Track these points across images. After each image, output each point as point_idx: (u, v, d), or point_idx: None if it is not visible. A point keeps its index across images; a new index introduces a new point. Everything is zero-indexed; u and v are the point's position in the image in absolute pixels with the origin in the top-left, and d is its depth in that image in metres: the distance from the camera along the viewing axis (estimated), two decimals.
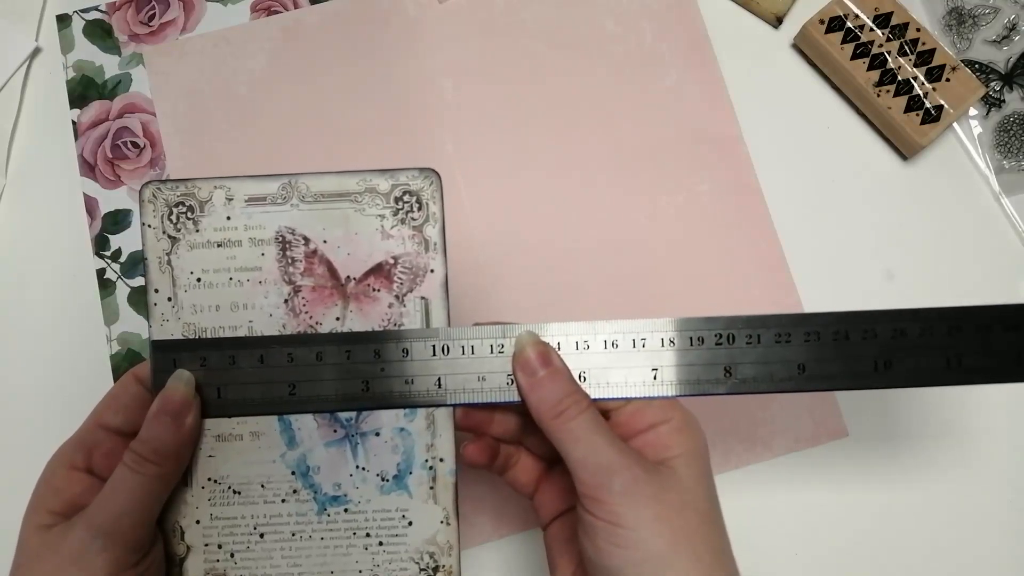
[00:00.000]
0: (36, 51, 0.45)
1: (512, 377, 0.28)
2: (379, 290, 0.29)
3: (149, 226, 0.28)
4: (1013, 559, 0.41)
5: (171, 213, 0.28)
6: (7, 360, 0.42)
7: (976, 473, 0.41)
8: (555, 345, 0.28)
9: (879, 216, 0.44)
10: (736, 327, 0.28)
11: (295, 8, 0.46)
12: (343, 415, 0.29)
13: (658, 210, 0.44)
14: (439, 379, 0.28)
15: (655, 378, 0.28)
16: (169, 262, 0.28)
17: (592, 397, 0.28)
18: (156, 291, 0.28)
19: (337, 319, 0.29)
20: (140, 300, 0.42)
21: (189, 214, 0.28)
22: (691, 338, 0.28)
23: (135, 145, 0.44)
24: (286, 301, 0.29)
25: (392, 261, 0.29)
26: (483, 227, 0.43)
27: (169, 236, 0.28)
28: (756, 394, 0.28)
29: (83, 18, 0.46)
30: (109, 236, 0.43)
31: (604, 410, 0.29)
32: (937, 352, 0.28)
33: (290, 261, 0.29)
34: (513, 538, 0.40)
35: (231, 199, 0.28)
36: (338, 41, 0.45)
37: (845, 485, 0.41)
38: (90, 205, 0.43)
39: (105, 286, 0.43)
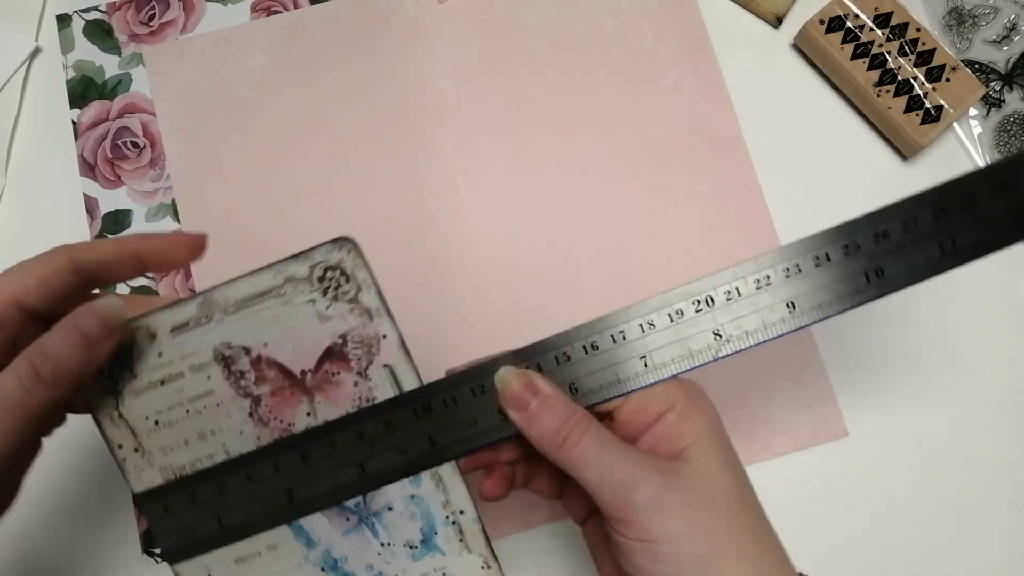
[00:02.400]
0: (36, 51, 0.45)
1: (502, 414, 0.27)
2: (339, 373, 0.28)
3: (90, 390, 0.27)
4: (1013, 559, 0.41)
5: (103, 371, 0.27)
6: None
7: (976, 473, 0.41)
8: (535, 366, 0.27)
9: None
10: (707, 289, 0.27)
11: (295, 8, 0.46)
12: (350, 502, 0.28)
13: (658, 210, 0.44)
14: (430, 438, 0.27)
15: (646, 365, 0.27)
16: (121, 415, 0.27)
17: (594, 402, 0.27)
18: (120, 447, 0.27)
19: (308, 414, 0.28)
20: None
21: (121, 364, 0.27)
22: (669, 315, 0.27)
23: (135, 145, 0.44)
24: (250, 414, 0.27)
25: (341, 341, 0.28)
26: (483, 227, 0.43)
27: (111, 392, 0.27)
28: (745, 349, 0.27)
29: (83, 18, 0.46)
30: (109, 236, 0.43)
31: (605, 411, 0.28)
32: (927, 241, 0.26)
33: (238, 375, 0.27)
34: (514, 537, 0.40)
35: (155, 335, 0.27)
36: (338, 41, 0.46)
37: (845, 485, 0.41)
38: (90, 205, 0.43)
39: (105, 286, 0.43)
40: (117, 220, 0.43)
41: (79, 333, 0.24)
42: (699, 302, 0.27)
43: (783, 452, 0.41)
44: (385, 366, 0.28)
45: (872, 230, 0.26)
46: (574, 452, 0.26)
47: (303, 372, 0.28)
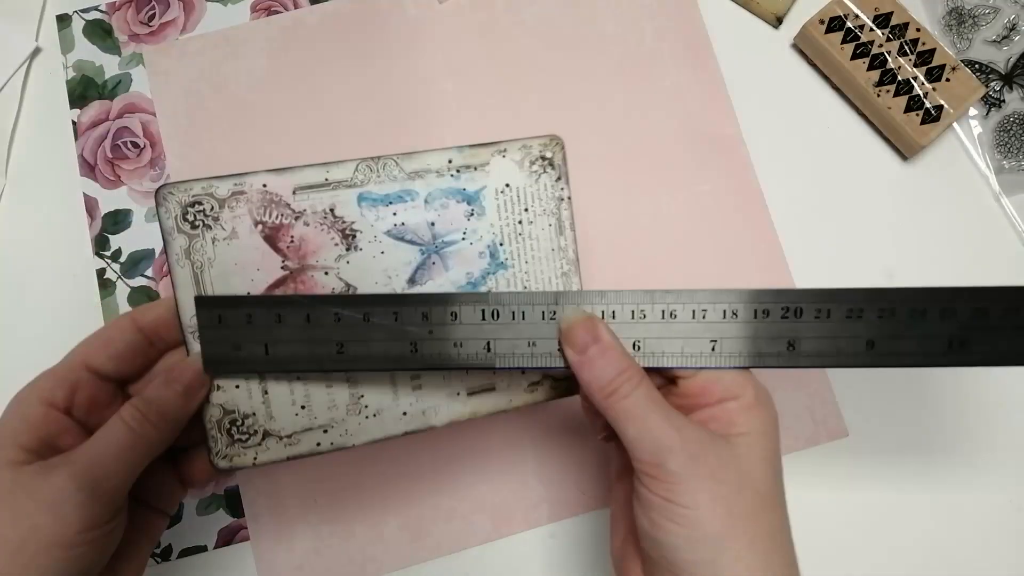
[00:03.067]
0: (36, 51, 0.45)
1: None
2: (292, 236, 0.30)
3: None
4: (1013, 559, 0.41)
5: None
6: (7, 360, 0.42)
7: (976, 472, 0.41)
8: (610, 313, 0.28)
9: (879, 216, 0.44)
10: (805, 301, 0.27)
11: (295, 8, 0.46)
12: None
13: (658, 210, 0.44)
14: (488, 343, 0.28)
15: (713, 349, 0.28)
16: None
17: (652, 366, 0.28)
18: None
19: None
20: (140, 300, 0.42)
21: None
22: (756, 311, 0.28)
23: (135, 145, 0.44)
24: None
25: (262, 229, 0.30)
26: None
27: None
28: (818, 368, 0.28)
29: (83, 18, 0.46)
30: (109, 236, 0.43)
31: (672, 377, 0.28)
32: (1020, 332, 0.27)
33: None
34: (513, 538, 0.40)
35: None
36: (338, 41, 0.46)
37: (845, 485, 0.41)
38: (90, 205, 0.43)
39: (105, 286, 0.43)
40: (117, 220, 0.43)
41: (176, 381, 0.27)
42: (787, 309, 0.28)
43: (783, 452, 0.41)
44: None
45: (973, 304, 0.27)
46: (619, 404, 0.26)
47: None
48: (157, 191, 0.29)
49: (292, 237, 0.29)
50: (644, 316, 0.28)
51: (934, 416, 0.42)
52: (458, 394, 0.30)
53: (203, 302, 0.28)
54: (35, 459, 0.26)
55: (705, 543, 0.25)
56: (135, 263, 0.43)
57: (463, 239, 0.30)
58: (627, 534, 0.29)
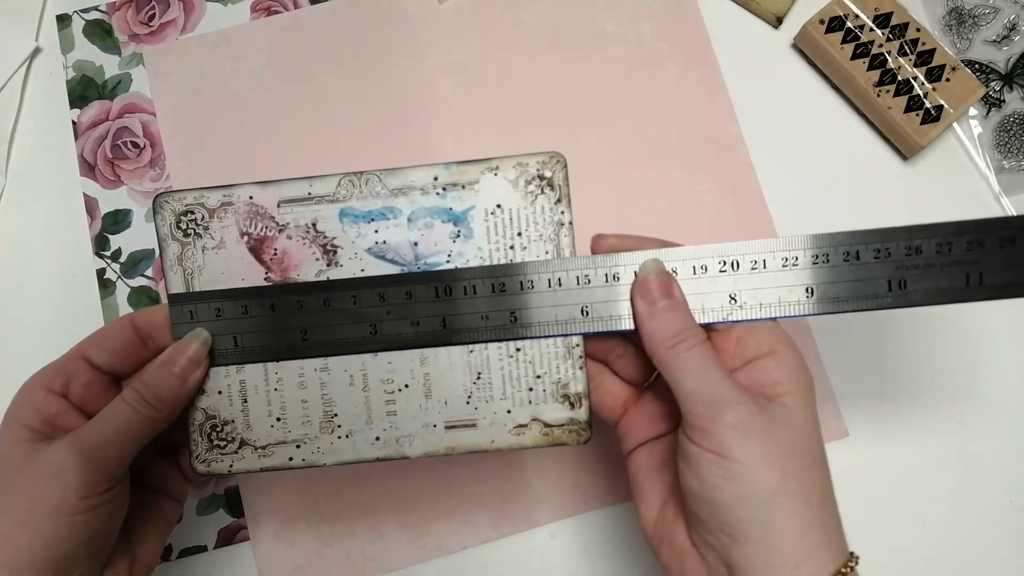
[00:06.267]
0: (36, 51, 0.46)
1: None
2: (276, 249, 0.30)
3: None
4: (1013, 559, 0.41)
5: None
6: (7, 360, 0.42)
7: (976, 472, 0.41)
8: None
9: (879, 216, 0.44)
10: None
11: (295, 8, 0.46)
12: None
13: (658, 210, 0.44)
14: (443, 319, 0.29)
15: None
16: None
17: (706, 321, 0.28)
18: None
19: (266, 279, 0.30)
20: (140, 300, 0.42)
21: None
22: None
23: (135, 145, 0.44)
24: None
25: (246, 238, 0.30)
26: None
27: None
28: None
29: (83, 18, 0.46)
30: (109, 236, 0.43)
31: (708, 333, 0.29)
32: (956, 268, 0.27)
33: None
34: (513, 538, 0.40)
35: None
36: (338, 41, 0.46)
37: (845, 485, 0.41)
38: (90, 205, 0.43)
39: (105, 286, 0.43)
40: (117, 220, 0.43)
41: (169, 363, 0.29)
42: (724, 263, 0.28)
43: None
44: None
45: (907, 242, 0.27)
46: (682, 356, 0.27)
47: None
48: (155, 199, 0.30)
49: (276, 250, 0.30)
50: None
51: (933, 416, 0.42)
52: (435, 426, 0.30)
53: (175, 299, 0.30)
54: (42, 438, 0.28)
55: (757, 500, 0.25)
56: (135, 263, 0.43)
57: (447, 262, 0.29)
58: (667, 498, 0.29)
